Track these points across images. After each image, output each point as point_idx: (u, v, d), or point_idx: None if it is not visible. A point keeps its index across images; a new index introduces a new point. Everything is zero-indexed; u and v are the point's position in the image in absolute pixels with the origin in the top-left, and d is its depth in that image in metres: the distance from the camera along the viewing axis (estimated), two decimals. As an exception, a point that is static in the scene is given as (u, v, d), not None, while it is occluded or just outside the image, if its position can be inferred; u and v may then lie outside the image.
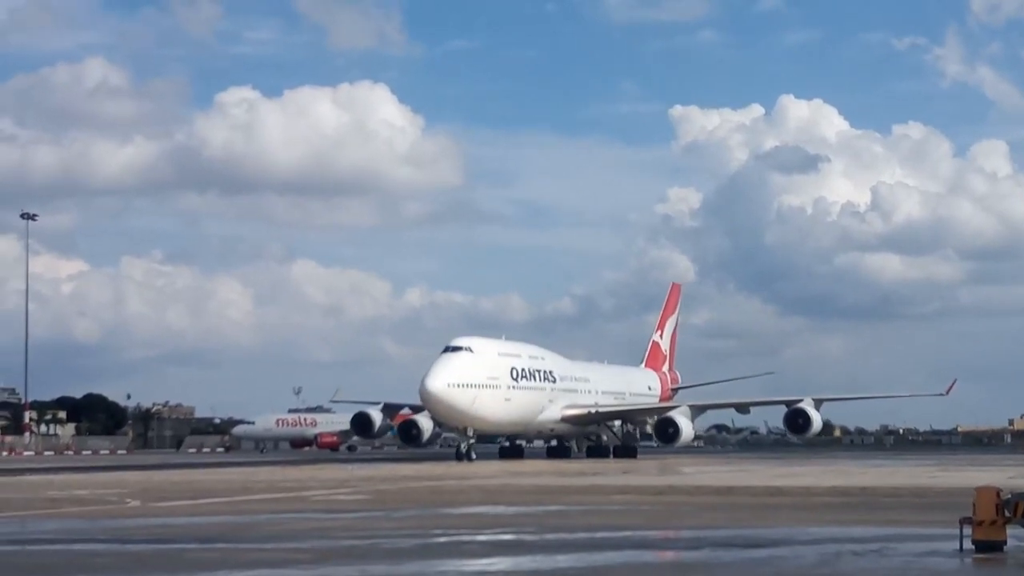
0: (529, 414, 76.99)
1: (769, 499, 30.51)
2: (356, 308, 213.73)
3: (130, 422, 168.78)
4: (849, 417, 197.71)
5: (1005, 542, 16.98)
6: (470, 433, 71.71)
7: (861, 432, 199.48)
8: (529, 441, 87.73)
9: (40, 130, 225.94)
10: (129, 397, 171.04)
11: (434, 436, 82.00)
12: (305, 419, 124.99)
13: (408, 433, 79.56)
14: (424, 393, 69.97)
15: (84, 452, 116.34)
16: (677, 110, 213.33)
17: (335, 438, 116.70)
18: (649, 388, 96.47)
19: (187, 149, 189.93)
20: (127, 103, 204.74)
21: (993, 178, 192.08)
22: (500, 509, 27.01)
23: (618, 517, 24.36)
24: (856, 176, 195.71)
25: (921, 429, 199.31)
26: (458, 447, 72.65)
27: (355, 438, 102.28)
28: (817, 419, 79.06)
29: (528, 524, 21.98)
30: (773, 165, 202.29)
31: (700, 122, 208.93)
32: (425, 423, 77.50)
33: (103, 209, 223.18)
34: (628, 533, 20.66)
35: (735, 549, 17.70)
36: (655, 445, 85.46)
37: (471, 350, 72.16)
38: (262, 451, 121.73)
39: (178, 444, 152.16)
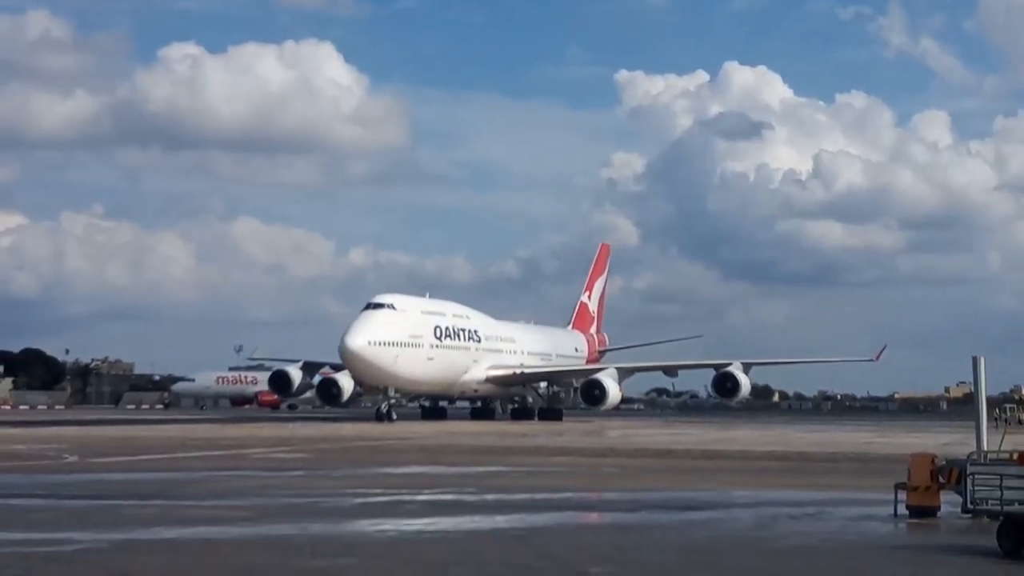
0: (453, 374, 75.76)
1: (706, 462, 30.74)
2: (299, 267, 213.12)
3: (68, 378, 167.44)
4: (788, 382, 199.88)
5: (939, 508, 17.22)
6: (391, 393, 70.31)
7: (800, 397, 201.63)
8: (452, 402, 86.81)
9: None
10: (68, 352, 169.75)
11: (355, 396, 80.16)
12: (246, 377, 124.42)
13: (328, 392, 77.62)
14: (344, 351, 68.27)
15: (21, 407, 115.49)
16: (623, 75, 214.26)
17: (275, 397, 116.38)
18: (576, 350, 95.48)
19: (129, 104, 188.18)
20: (69, 56, 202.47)
21: (934, 148, 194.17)
22: (440, 469, 27.05)
23: (557, 479, 24.46)
24: (799, 143, 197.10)
25: (859, 395, 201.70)
26: (378, 407, 70.82)
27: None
28: (745, 383, 78.27)
29: (468, 485, 22.04)
30: (717, 131, 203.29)
31: (645, 87, 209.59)
32: (346, 382, 75.62)
33: (43, 163, 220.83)
34: (567, 495, 20.76)
35: (672, 511, 17.83)
36: (582, 407, 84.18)
37: (393, 307, 70.70)
38: (202, 408, 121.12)
39: (117, 400, 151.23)
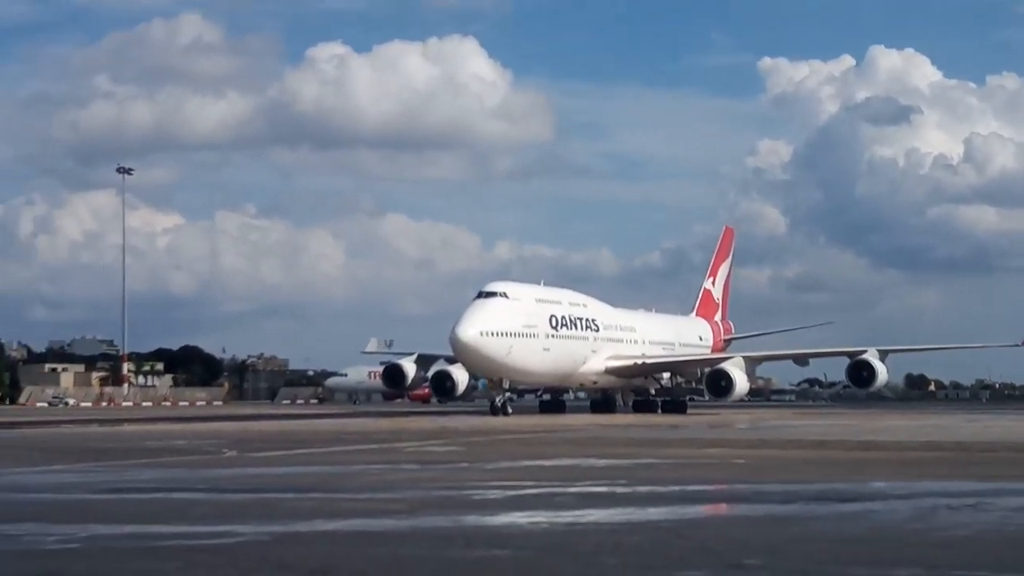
0: (570, 365, 73.51)
1: (862, 454, 30.25)
2: (446, 261, 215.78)
3: (226, 374, 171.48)
4: (944, 371, 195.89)
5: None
6: (505, 385, 68.67)
7: (956, 386, 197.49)
8: (570, 394, 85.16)
9: (136, 86, 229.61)
10: (224, 350, 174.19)
11: (469, 389, 79.22)
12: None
13: (442, 385, 76.96)
14: (455, 342, 66.46)
15: (181, 403, 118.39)
16: (766, 62, 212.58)
17: (427, 391, 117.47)
18: (700, 338, 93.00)
19: (279, 104, 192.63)
20: (221, 59, 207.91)
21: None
22: (591, 462, 27.04)
23: (709, 471, 24.28)
24: (949, 127, 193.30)
25: (1018, 384, 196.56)
26: (492, 400, 69.06)
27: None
28: (882, 371, 75.06)
29: (620, 476, 21.99)
30: (864, 117, 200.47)
31: (789, 74, 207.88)
32: (460, 375, 74.58)
33: (197, 164, 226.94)
34: (720, 487, 20.59)
35: (828, 503, 17.58)
36: (706, 399, 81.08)
37: (506, 295, 68.68)
38: (355, 403, 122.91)
39: (272, 395, 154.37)
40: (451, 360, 74.47)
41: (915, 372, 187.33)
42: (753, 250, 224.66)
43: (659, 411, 78.44)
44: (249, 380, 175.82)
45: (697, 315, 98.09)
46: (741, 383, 75.06)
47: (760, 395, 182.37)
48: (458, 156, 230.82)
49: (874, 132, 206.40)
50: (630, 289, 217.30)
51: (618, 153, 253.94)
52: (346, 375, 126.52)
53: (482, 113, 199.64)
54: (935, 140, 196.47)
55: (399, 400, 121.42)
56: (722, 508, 17.97)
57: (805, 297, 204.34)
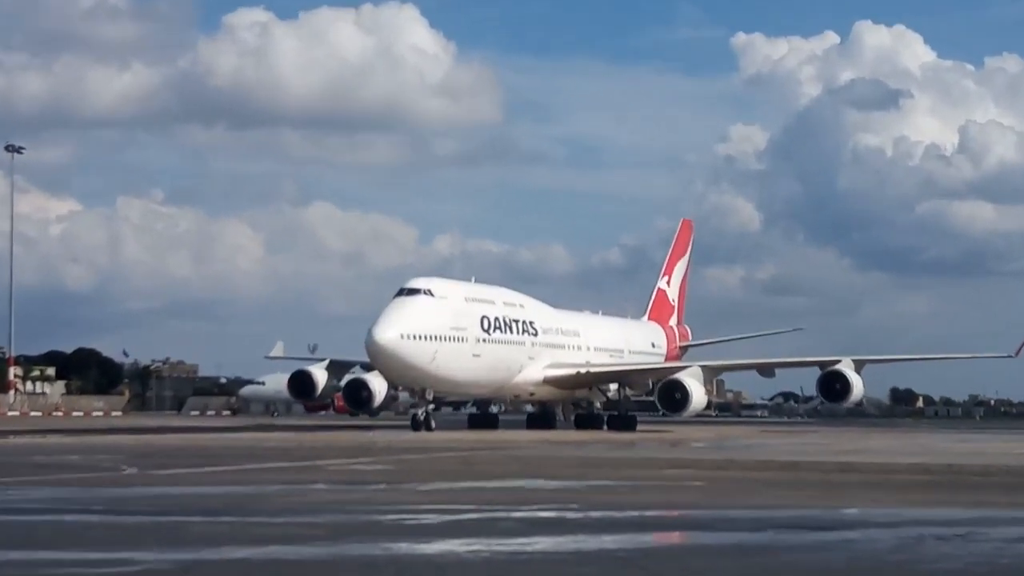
0: (504, 374, 72.50)
1: (840, 476, 30.49)
2: (379, 257, 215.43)
3: (126, 380, 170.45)
4: (934, 385, 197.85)
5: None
6: (429, 396, 67.38)
7: (947, 402, 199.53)
8: (504, 407, 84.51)
9: (29, 55, 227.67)
10: (126, 354, 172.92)
11: (389, 400, 78.27)
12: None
13: (357, 396, 75.76)
14: (371, 346, 64.87)
15: (75, 413, 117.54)
16: (740, 38, 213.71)
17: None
18: (653, 345, 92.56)
19: (192, 77, 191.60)
20: (126, 25, 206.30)
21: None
22: (538, 483, 27.09)
23: (670, 494, 24.41)
24: (943, 114, 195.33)
25: (1016, 400, 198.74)
26: (414, 414, 67.15)
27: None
28: (857, 384, 74.08)
29: (570, 500, 22.06)
30: (848, 100, 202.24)
31: (766, 51, 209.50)
32: (377, 384, 73.25)
33: (98, 143, 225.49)
34: (682, 512, 20.70)
35: (802, 531, 17.71)
36: (660, 414, 79.69)
37: (431, 293, 67.20)
38: (273, 415, 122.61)
39: (179, 406, 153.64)
40: (368, 367, 73.01)
41: (901, 386, 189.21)
42: (723, 248, 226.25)
43: (604, 427, 78.00)
44: (153, 388, 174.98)
45: (650, 319, 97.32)
46: (698, 396, 73.71)
47: (729, 410, 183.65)
48: (394, 138, 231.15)
49: (859, 118, 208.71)
50: (585, 289, 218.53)
51: (573, 137, 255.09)
52: (263, 383, 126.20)
53: (422, 90, 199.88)
54: (927, 128, 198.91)
55: (323, 412, 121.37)
56: (684, 536, 18.05)
57: (779, 301, 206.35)
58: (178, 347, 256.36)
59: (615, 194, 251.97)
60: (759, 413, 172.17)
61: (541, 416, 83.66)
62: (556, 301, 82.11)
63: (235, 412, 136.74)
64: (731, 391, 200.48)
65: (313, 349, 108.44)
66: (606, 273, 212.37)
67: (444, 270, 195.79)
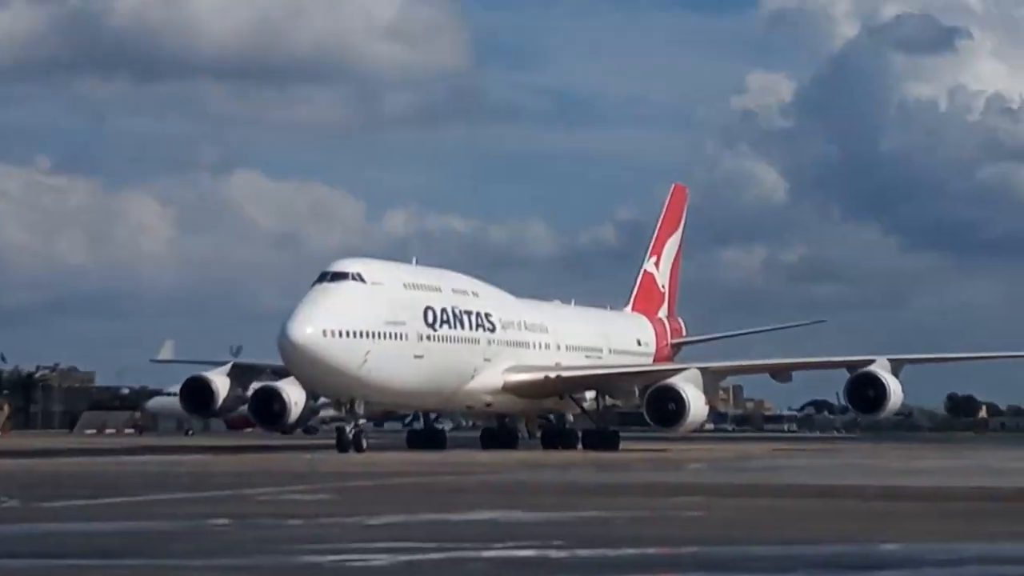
0: (454, 379, 71.06)
1: (885, 505, 30.61)
2: (318, 237, 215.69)
3: (6, 392, 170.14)
4: (1000, 392, 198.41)
5: None
6: (359, 409, 65.36)
7: (1016, 412, 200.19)
8: (454, 421, 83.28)
9: None
10: (3, 358, 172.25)
11: (308, 414, 77.57)
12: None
13: (267, 409, 73.19)
14: (285, 346, 63.21)
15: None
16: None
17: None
18: (639, 342, 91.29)
19: (86, 17, 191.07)
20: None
21: None
22: (514, 515, 27.12)
23: (676, 527, 24.43)
24: (1009, 58, 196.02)
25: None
26: (340, 431, 65.86)
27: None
28: (895, 390, 72.07)
29: (553, 535, 22.09)
30: (893, 42, 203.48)
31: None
32: (293, 393, 71.22)
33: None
34: (691, 549, 20.72)
35: (838, 570, 17.78)
36: (652, 427, 77.00)
37: (361, 278, 65.40)
38: (188, 432, 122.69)
39: (72, 422, 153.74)
40: (282, 372, 71.26)
41: (960, 392, 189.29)
42: (739, 224, 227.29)
43: (579, 445, 77.38)
44: (39, 401, 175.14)
45: (634, 309, 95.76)
46: (696, 406, 71.80)
47: (748, 423, 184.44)
48: (336, 92, 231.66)
49: (907, 63, 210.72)
50: (573, 275, 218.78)
51: (557, 88, 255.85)
52: (174, 394, 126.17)
53: (369, 31, 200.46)
54: (990, 75, 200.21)
55: (250, 430, 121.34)
56: (695, 579, 18.11)
57: (810, 289, 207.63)
58: (70, 351, 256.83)
59: (609, 158, 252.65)
60: (786, 427, 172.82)
61: (499, 432, 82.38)
62: (536, 290, 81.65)
63: (140, 430, 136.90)
64: (751, 400, 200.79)
65: (237, 351, 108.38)
66: (597, 255, 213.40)
67: (398, 254, 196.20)
